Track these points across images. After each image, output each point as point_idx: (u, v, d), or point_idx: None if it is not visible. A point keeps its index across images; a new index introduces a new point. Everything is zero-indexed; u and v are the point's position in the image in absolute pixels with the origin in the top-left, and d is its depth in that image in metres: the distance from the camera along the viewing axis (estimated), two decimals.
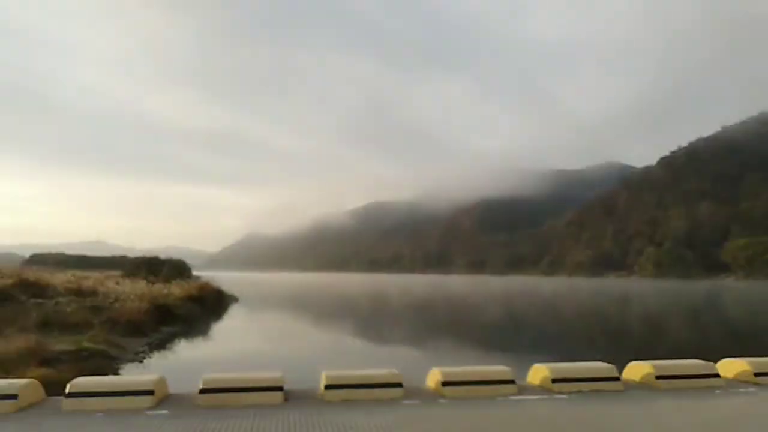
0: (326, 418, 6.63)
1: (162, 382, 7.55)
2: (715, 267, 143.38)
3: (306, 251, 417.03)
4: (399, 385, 7.73)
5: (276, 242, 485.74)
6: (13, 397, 6.80)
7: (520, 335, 27.93)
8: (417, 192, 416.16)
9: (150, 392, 7.05)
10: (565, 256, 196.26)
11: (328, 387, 7.54)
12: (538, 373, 8.52)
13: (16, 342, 14.15)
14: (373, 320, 36.56)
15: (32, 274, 34.04)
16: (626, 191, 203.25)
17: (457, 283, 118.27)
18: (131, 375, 13.51)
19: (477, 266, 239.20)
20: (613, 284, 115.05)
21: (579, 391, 8.03)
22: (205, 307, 34.75)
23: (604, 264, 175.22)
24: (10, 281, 28.13)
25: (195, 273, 60.80)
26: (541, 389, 8.25)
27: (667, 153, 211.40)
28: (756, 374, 8.79)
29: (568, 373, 8.25)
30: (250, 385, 7.37)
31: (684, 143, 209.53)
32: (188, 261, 66.55)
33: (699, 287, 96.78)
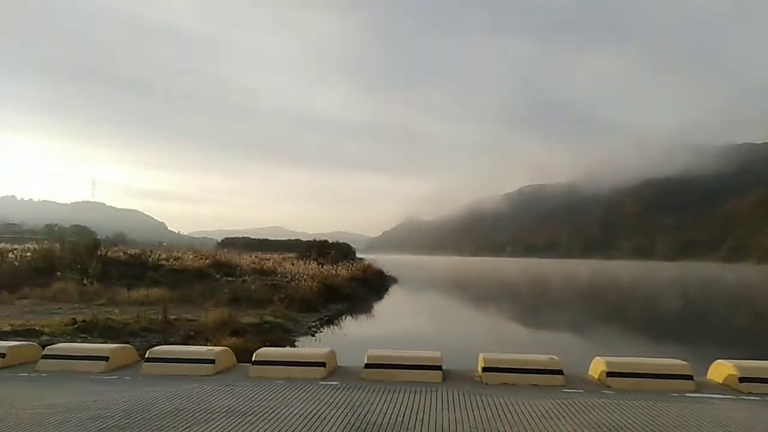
0: (485, 399, 6.69)
1: (332, 355, 8.26)
2: None
3: (461, 236, 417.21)
4: (559, 372, 7.50)
5: (432, 227, 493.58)
6: (212, 361, 7.98)
7: (697, 327, 25.10)
8: (575, 174, 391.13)
9: (322, 364, 7.77)
10: (751, 241, 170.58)
11: (485, 369, 7.59)
12: (722, 370, 7.64)
13: (213, 314, 16.42)
14: (530, 305, 35.59)
15: (224, 255, 39.01)
16: None
17: (622, 269, 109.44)
18: (305, 348, 14.88)
19: (643, 252, 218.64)
20: None
21: None
22: (368, 287, 36.81)
23: None
24: (207, 261, 32.63)
25: (358, 255, 64.49)
26: (725, 388, 7.39)
27: None
28: None
29: (761, 372, 7.27)
30: (411, 362, 7.72)
31: None
32: (352, 244, 70.82)
33: None
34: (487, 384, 7.44)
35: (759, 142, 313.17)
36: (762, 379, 7.19)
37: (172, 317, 16.75)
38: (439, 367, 7.65)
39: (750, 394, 7.08)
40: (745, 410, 6.42)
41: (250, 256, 45.65)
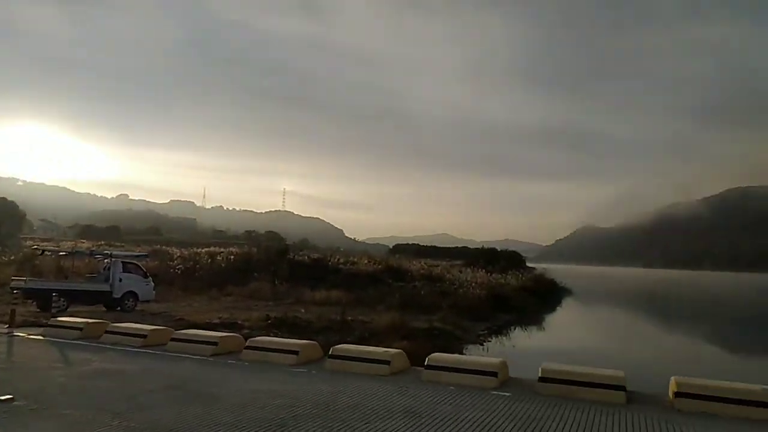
0: (677, 428, 6.04)
1: (504, 365, 8.15)
2: None
3: (647, 245, 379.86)
4: (622, 388, 6.60)
5: (612, 235, 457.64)
6: (387, 363, 8.40)
7: None
8: None
9: (494, 374, 7.71)
10: None
11: (678, 394, 6.84)
12: None
13: (385, 318, 17.22)
14: (732, 326, 30.96)
15: (395, 261, 40.71)
16: None
17: None
18: (476, 356, 14.84)
19: None
20: None
21: None
22: (538, 297, 35.37)
23: None
24: (379, 267, 34.35)
25: (528, 264, 62.39)
26: None
27: None
28: None
29: None
30: (590, 380, 7.27)
31: None
32: (523, 253, 68.72)
33: None
34: (680, 411, 6.69)
35: None
36: None
37: (349, 318, 17.94)
38: (622, 388, 7.09)
39: None
40: None
41: (420, 263, 46.88)
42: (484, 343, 18.37)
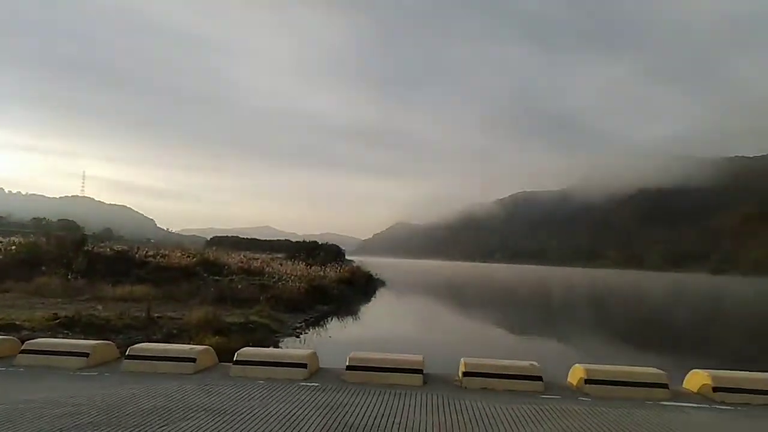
0: (463, 403, 6.75)
1: (314, 356, 8.29)
2: None
3: (452, 240, 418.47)
4: (539, 378, 7.58)
5: (424, 231, 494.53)
6: (192, 360, 7.98)
7: (678, 337, 25.34)
8: (568, 182, 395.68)
9: (303, 365, 7.79)
10: (739, 254, 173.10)
11: (466, 374, 7.65)
12: (697, 379, 7.75)
13: (198, 313, 16.35)
14: (515, 311, 35.74)
15: (212, 254, 38.85)
16: None
17: (610, 279, 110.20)
18: (287, 348, 14.87)
19: (632, 262, 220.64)
20: None
21: (747, 404, 7.17)
22: (355, 289, 36.83)
23: None
24: (194, 260, 32.46)
25: (348, 257, 64.47)
26: (699, 397, 7.51)
27: None
28: None
29: (734, 382, 7.39)
30: (393, 365, 7.76)
31: None
32: (342, 246, 70.69)
33: None
34: (466, 388, 7.49)
35: (751, 156, 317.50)
36: (736, 389, 7.31)
37: (156, 315, 16.67)
38: (420, 371, 7.70)
39: (723, 403, 7.19)
40: (717, 419, 6.53)
41: (238, 256, 45.45)
42: (301, 335, 18.51)
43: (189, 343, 11.60)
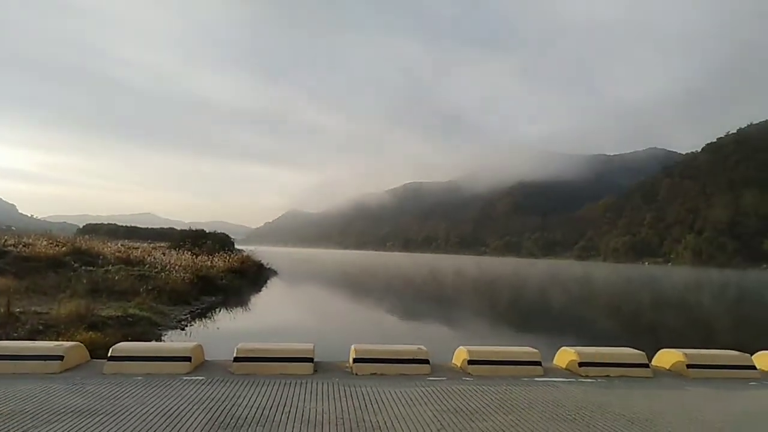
0: (354, 389, 6.83)
1: (198, 349, 7.91)
2: (758, 257, 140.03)
3: (345, 229, 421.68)
4: (426, 361, 7.86)
5: (316, 219, 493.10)
6: (59, 358, 7.27)
7: (552, 317, 27.66)
8: (456, 174, 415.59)
9: (187, 358, 7.41)
10: (600, 242, 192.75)
11: (356, 360, 7.74)
12: (565, 356, 8.49)
13: (68, 306, 14.97)
14: (405, 297, 36.86)
15: (85, 242, 35.71)
16: (668, 178, 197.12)
17: (489, 264, 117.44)
18: (170, 342, 14.12)
19: (511, 248, 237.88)
20: (650, 271, 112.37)
21: (606, 376, 7.98)
22: (245, 279, 35.79)
23: (640, 250, 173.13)
24: (64, 249, 29.65)
25: (238, 246, 62.39)
26: (567, 372, 8.23)
27: (713, 139, 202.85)
28: None
29: (595, 357, 8.20)
30: (282, 355, 7.64)
31: (733, 129, 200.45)
32: (232, 235, 68.16)
33: (741, 277, 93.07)
34: (357, 374, 7.58)
35: (610, 154, 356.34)
36: (596, 363, 8.11)
37: (18, 310, 15.02)
38: (310, 359, 7.66)
39: (587, 377, 7.95)
40: (581, 392, 7.19)
41: (116, 245, 42.23)
42: (186, 328, 17.66)
43: (57, 339, 10.60)
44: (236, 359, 7.54)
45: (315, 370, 7.66)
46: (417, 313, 27.74)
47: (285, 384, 6.96)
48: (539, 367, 8.06)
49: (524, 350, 8.31)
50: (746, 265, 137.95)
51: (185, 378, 7.08)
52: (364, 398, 6.45)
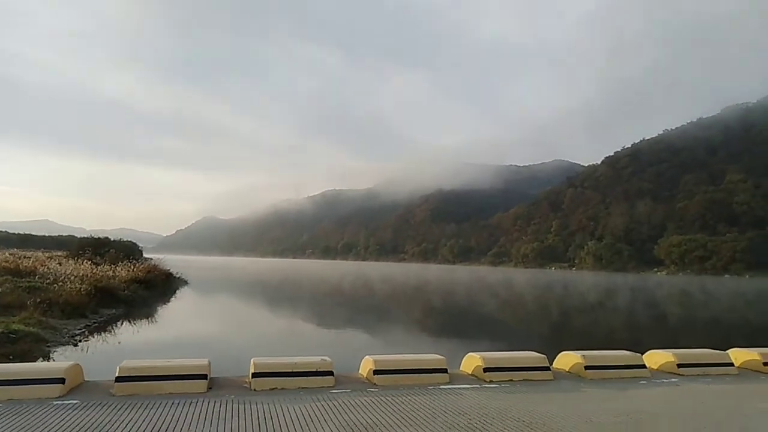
0: (251, 407, 6.41)
1: (76, 369, 7.13)
2: (649, 261, 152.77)
3: (262, 236, 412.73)
4: (330, 373, 7.57)
5: (232, 226, 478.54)
6: None
7: (462, 323, 28.27)
8: (375, 182, 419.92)
9: (60, 380, 6.63)
10: (512, 248, 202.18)
11: (256, 375, 7.30)
12: (471, 362, 8.52)
13: None
14: (318, 306, 36.34)
15: None
16: (572, 188, 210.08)
17: (406, 271, 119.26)
18: (42, 362, 12.86)
19: (428, 255, 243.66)
20: (555, 275, 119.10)
21: (510, 381, 8.08)
22: (152, 289, 33.78)
23: (547, 256, 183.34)
24: None
25: (147, 255, 58.98)
26: (473, 378, 8.25)
27: (611, 153, 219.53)
28: (679, 365, 9.07)
29: (499, 362, 8.28)
30: (172, 372, 7.04)
31: (628, 144, 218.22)
32: (140, 243, 64.42)
33: (631, 280, 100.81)
34: (255, 390, 7.15)
35: (520, 165, 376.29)
36: (500, 368, 8.19)
37: None
38: (204, 376, 7.13)
39: (491, 382, 8.01)
40: (484, 398, 7.20)
41: (3, 253, 38.49)
42: (80, 343, 16.24)
43: None
44: (119, 379, 6.85)
45: (209, 388, 7.14)
46: (327, 322, 27.29)
47: (173, 405, 6.39)
48: (445, 374, 8.01)
49: (431, 358, 8.23)
50: (640, 269, 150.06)
51: (56, 402, 6.31)
52: (262, 416, 6.06)
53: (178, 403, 6.44)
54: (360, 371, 8.25)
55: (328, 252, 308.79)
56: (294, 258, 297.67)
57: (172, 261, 57.47)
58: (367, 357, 8.18)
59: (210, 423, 5.76)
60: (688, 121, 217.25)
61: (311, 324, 26.25)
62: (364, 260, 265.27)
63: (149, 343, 17.66)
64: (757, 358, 9.62)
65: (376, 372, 7.71)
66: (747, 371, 9.52)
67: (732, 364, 9.45)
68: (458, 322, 28.92)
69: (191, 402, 6.52)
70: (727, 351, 9.93)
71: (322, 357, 7.82)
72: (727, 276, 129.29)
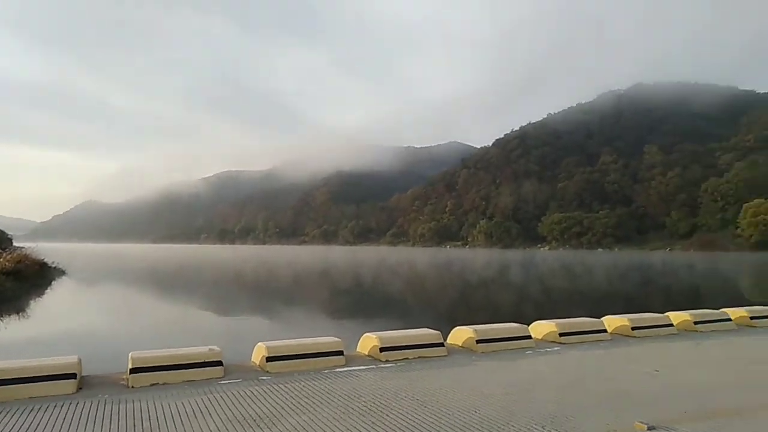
0: (129, 405, 5.85)
1: None
2: (534, 238, 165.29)
3: (153, 221, 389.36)
4: (219, 363, 7.14)
5: (119, 211, 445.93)
6: None
7: (362, 304, 28.54)
8: (274, 162, 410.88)
9: None
10: (410, 228, 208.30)
11: (134, 370, 6.70)
12: (368, 342, 8.47)
13: None
14: (210, 292, 34.97)
15: None
16: (466, 169, 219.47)
17: (307, 253, 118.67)
18: None
19: (329, 236, 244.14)
20: (450, 253, 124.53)
21: (405, 359, 8.13)
22: (22, 281, 30.59)
23: (443, 235, 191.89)
24: None
25: (18, 243, 53.15)
26: (369, 359, 8.21)
27: (501, 135, 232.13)
28: (560, 334, 9.67)
29: (395, 341, 8.30)
30: (34, 373, 6.25)
31: (516, 127, 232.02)
32: (10, 231, 58.03)
33: (519, 256, 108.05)
34: (134, 387, 6.56)
35: (417, 147, 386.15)
36: (396, 347, 8.22)
37: None
38: (73, 375, 6.41)
39: (387, 362, 8.00)
40: (380, 378, 7.17)
41: None
42: None
43: None
44: None
45: (79, 388, 6.44)
46: (221, 309, 26.12)
47: (34, 410, 5.66)
48: (342, 357, 7.88)
49: (326, 341, 8.06)
50: (526, 245, 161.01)
51: None
52: (138, 416, 5.54)
53: (41, 408, 5.73)
54: (252, 359, 7.89)
55: (224, 236, 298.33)
56: (188, 243, 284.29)
57: (47, 249, 52.40)
58: (259, 344, 7.83)
59: (76, 428, 5.17)
60: (569, 106, 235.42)
61: (203, 312, 25.06)
62: (263, 244, 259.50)
63: (15, 341, 15.90)
64: (627, 323, 10.51)
65: (269, 359, 7.40)
66: (618, 336, 10.37)
67: (606, 331, 10.23)
68: (358, 303, 29.10)
69: (57, 405, 5.83)
70: (601, 318, 10.75)
71: (211, 346, 7.35)
72: (600, 250, 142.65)
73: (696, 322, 11.19)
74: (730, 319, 11.66)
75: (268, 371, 7.31)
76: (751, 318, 11.91)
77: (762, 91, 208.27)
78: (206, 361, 7.04)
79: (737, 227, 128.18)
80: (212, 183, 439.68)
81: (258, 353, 7.74)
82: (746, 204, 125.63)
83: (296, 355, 7.57)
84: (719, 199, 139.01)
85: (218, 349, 7.33)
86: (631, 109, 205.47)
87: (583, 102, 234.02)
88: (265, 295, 33.93)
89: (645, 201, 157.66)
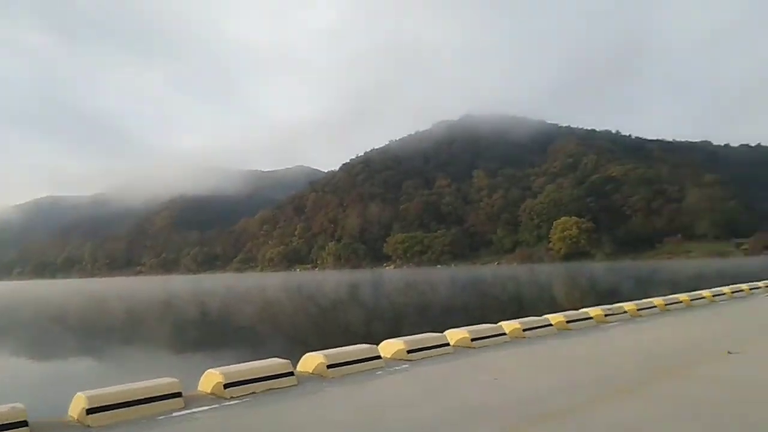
0: None
1: None
2: (380, 257, 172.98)
3: None
4: (23, 424, 5.98)
5: None
6: None
7: (205, 337, 26.82)
8: (102, 187, 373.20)
9: None
10: (258, 253, 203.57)
11: (91, 411, 5.72)
12: (210, 379, 7.80)
13: None
14: (18, 335, 30.40)
15: None
16: (314, 193, 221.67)
17: (143, 285, 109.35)
18: None
19: (169, 265, 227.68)
20: (299, 277, 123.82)
21: (252, 393, 7.63)
22: None
23: (293, 259, 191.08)
24: None
25: None
26: (212, 398, 7.54)
27: (347, 160, 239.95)
28: (408, 351, 9.89)
29: (241, 375, 7.75)
30: None
31: (361, 152, 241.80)
32: None
33: (367, 276, 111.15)
34: (91, 426, 5.35)
35: (264, 170, 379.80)
36: (242, 381, 7.67)
37: None
38: (24, 423, 5.28)
39: (232, 398, 7.41)
40: (223, 417, 6.60)
41: None
42: None
43: None
44: None
45: None
46: (34, 356, 22.69)
47: None
48: (180, 399, 7.13)
49: (161, 383, 7.23)
50: (373, 265, 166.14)
51: None
52: None
53: None
54: (70, 413, 6.79)
55: (44, 269, 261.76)
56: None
57: None
58: (78, 394, 6.76)
59: None
60: (409, 134, 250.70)
61: (11, 360, 21.48)
62: (92, 276, 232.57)
63: None
64: (467, 335, 11.14)
65: (90, 411, 6.41)
66: (460, 348, 10.93)
67: (449, 344, 10.72)
68: (202, 336, 27.26)
69: None
70: (444, 333, 11.25)
71: (13, 404, 6.16)
72: (439, 266, 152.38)
73: (524, 329, 12.26)
74: (551, 325, 13.00)
75: (89, 425, 6.32)
76: (567, 322, 13.44)
77: (563, 125, 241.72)
78: (5, 423, 5.87)
79: (549, 242, 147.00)
80: (27, 210, 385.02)
81: (76, 405, 6.67)
82: (556, 221, 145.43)
83: (124, 402, 6.66)
84: (535, 217, 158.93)
85: (21, 406, 6.16)
86: (462, 137, 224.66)
87: (421, 130, 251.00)
88: (92, 334, 30.20)
89: (475, 220, 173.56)
